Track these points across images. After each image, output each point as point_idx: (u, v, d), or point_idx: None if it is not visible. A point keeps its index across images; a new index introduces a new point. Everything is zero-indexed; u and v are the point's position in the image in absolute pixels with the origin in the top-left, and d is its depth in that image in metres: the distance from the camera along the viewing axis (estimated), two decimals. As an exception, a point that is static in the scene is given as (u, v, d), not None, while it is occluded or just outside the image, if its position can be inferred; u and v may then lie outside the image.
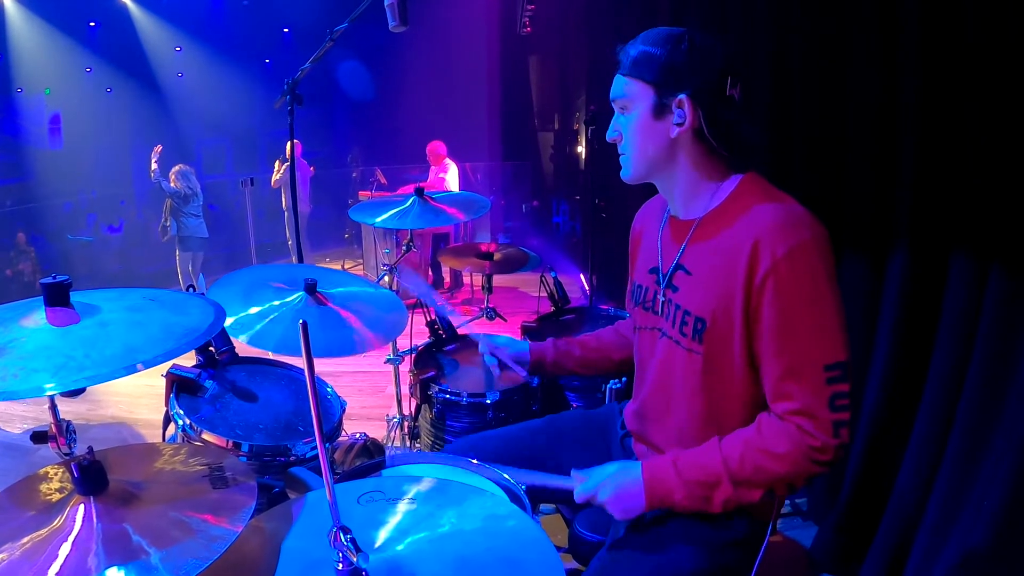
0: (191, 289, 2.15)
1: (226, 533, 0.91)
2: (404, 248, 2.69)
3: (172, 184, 6.41)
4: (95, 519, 0.91)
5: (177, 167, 6.53)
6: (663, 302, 1.33)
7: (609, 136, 1.32)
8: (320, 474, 1.39)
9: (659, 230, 1.39)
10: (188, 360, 1.49)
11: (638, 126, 1.26)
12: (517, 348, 1.67)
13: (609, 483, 1.25)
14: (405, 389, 2.47)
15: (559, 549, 1.09)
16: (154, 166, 6.42)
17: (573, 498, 1.29)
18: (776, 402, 1.17)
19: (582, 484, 1.28)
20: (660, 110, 1.23)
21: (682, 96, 1.20)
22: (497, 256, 2.76)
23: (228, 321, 1.56)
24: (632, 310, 1.47)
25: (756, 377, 1.21)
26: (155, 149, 6.54)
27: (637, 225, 1.51)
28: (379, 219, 2.40)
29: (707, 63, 1.20)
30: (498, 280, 2.98)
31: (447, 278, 6.95)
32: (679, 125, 1.22)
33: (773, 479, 1.17)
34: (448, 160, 6.87)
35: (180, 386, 1.57)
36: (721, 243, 1.22)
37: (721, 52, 1.21)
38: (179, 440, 1.51)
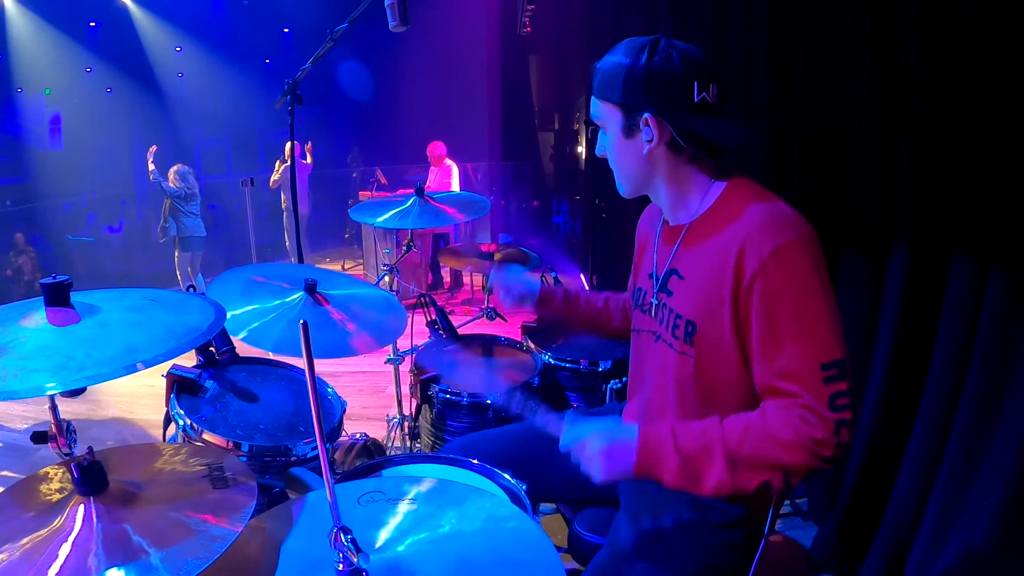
0: (191, 289, 2.15)
1: (226, 533, 0.91)
2: (404, 248, 2.69)
3: (171, 184, 6.42)
4: (95, 519, 0.91)
5: (176, 167, 6.54)
6: (657, 305, 1.34)
7: (597, 152, 1.35)
8: (320, 474, 1.38)
9: (656, 235, 1.40)
10: (188, 360, 1.50)
11: (614, 146, 1.28)
12: (526, 284, 1.62)
13: (601, 435, 1.15)
14: (405, 389, 2.47)
15: (559, 549, 1.08)
16: (151, 167, 6.45)
17: (562, 439, 1.18)
18: (775, 398, 1.15)
19: (570, 428, 1.18)
20: (629, 130, 1.24)
21: (647, 115, 1.20)
22: (497, 256, 2.76)
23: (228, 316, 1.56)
24: (632, 313, 1.48)
25: (748, 379, 1.20)
26: (150, 150, 6.58)
27: (641, 230, 1.52)
28: (379, 219, 2.39)
29: (667, 75, 1.17)
30: (498, 280, 2.98)
31: (447, 278, 6.95)
32: (649, 142, 1.22)
33: (771, 464, 1.10)
34: (449, 161, 6.87)
35: (181, 386, 1.57)
36: (710, 246, 1.22)
37: (685, 58, 1.18)
38: (179, 440, 1.51)
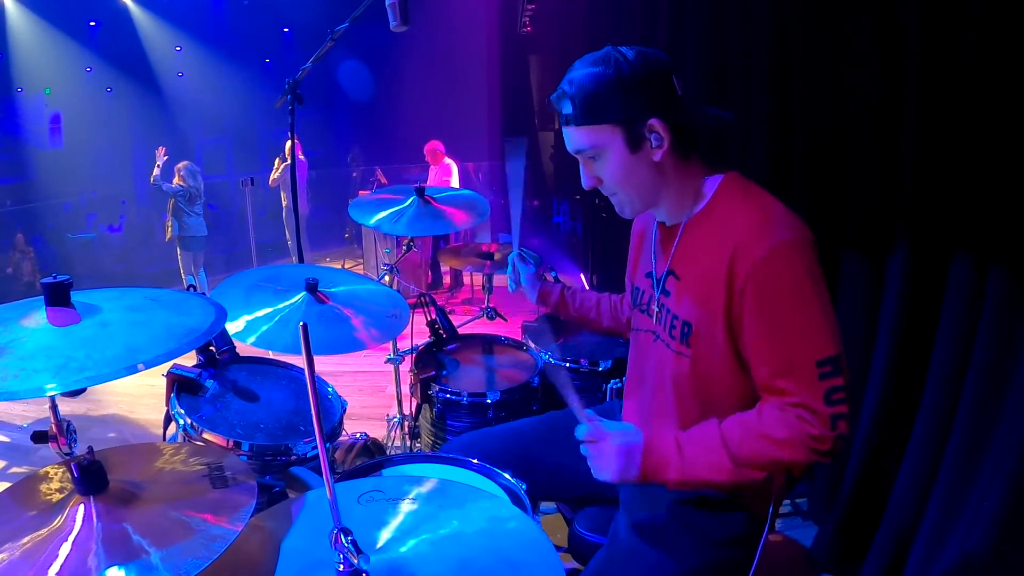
0: (192, 288, 2.15)
1: (226, 533, 0.91)
2: (404, 248, 2.69)
3: (179, 182, 6.38)
4: (95, 519, 0.91)
5: (183, 163, 6.47)
6: (656, 306, 1.34)
7: (586, 185, 1.28)
8: (320, 473, 1.39)
9: (652, 234, 1.39)
10: (189, 360, 1.50)
11: (619, 167, 1.21)
12: (533, 276, 1.83)
13: (619, 436, 1.17)
14: (406, 389, 2.47)
15: (559, 549, 1.09)
16: (156, 171, 6.34)
17: (580, 428, 1.20)
18: (773, 397, 1.16)
19: (594, 422, 1.19)
20: (635, 143, 1.19)
21: (652, 120, 1.17)
22: (498, 256, 2.76)
23: (239, 326, 1.57)
24: (631, 312, 1.48)
25: (745, 379, 1.21)
26: (159, 152, 6.43)
27: (637, 228, 1.51)
28: (374, 219, 2.34)
29: (652, 76, 1.16)
30: (499, 280, 2.98)
31: (447, 278, 6.95)
32: (659, 147, 1.19)
33: (770, 462, 1.13)
34: (448, 159, 6.87)
35: (181, 386, 1.57)
36: (705, 247, 1.22)
37: (652, 56, 1.18)
38: (180, 440, 1.51)
